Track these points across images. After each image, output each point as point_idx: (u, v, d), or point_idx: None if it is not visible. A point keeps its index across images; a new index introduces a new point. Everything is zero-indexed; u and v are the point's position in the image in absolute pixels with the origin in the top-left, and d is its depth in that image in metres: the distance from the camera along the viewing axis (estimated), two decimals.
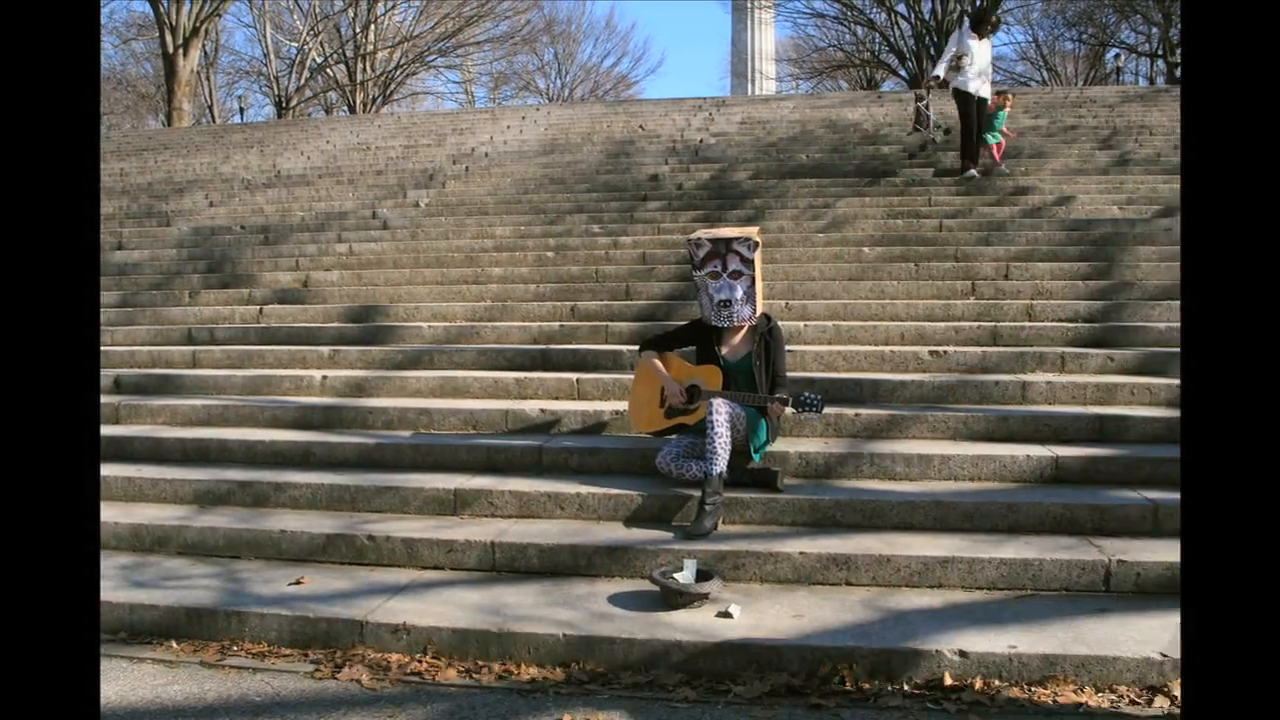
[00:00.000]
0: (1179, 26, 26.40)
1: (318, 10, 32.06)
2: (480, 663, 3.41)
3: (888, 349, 6.12)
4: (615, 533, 4.24)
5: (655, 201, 10.15)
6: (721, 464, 4.22)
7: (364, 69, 32.35)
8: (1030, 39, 35.67)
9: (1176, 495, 4.19)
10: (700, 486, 4.26)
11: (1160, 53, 29.74)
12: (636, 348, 5.12)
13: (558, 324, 6.98)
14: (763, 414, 4.50)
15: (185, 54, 24.83)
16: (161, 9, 24.68)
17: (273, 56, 32.47)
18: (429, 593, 3.87)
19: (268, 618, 3.66)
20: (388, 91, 34.13)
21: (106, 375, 6.57)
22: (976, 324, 6.42)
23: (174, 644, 3.66)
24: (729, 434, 4.27)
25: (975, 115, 9.72)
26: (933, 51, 28.89)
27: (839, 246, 8.15)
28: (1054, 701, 3.03)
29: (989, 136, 10.12)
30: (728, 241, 4.51)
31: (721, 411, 4.27)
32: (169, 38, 24.70)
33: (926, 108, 11.83)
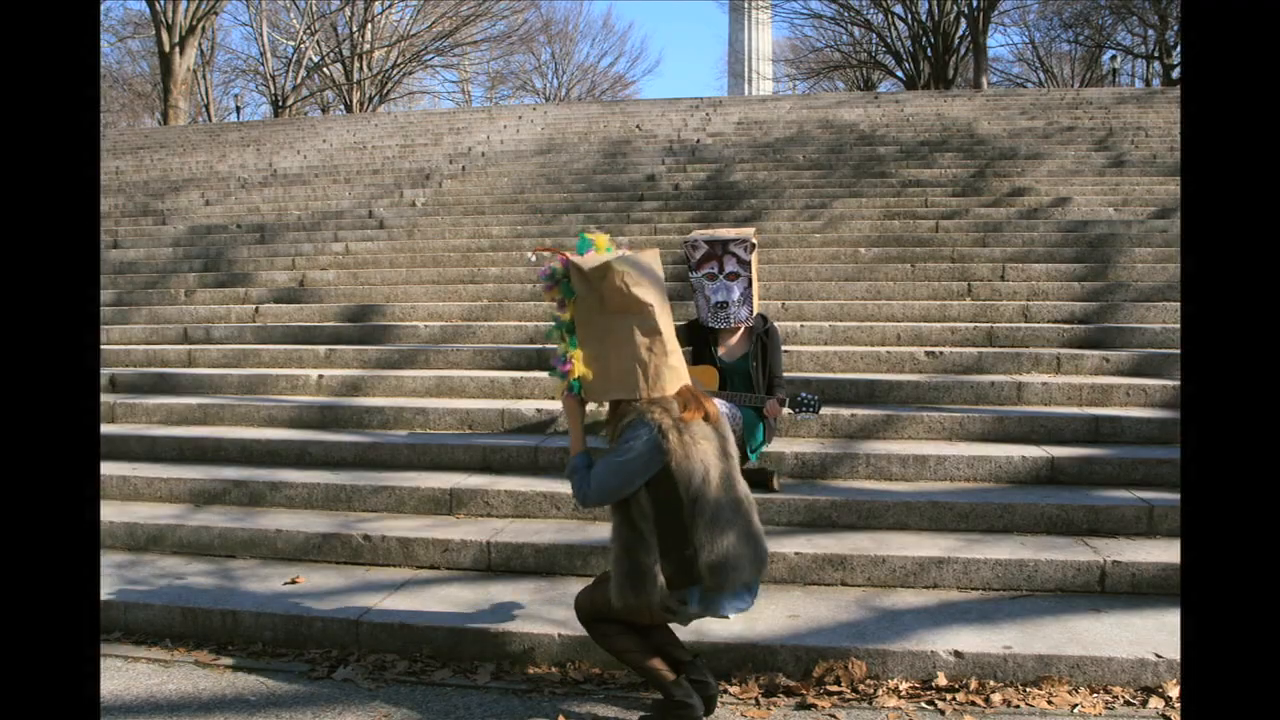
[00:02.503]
0: (1175, 28, 26.46)
1: (314, 9, 31.97)
2: (476, 662, 3.40)
3: (884, 349, 6.12)
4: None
5: (652, 201, 10.16)
6: None
7: (361, 68, 32.28)
8: (1026, 40, 35.73)
9: (1171, 496, 4.21)
10: None
11: (1156, 54, 29.80)
12: None
13: (554, 323, 6.96)
14: (760, 415, 4.50)
15: (181, 52, 24.76)
16: (158, 7, 24.60)
17: (269, 55, 32.38)
18: (425, 592, 3.86)
19: (263, 617, 3.66)
20: (384, 91, 34.05)
21: (102, 374, 6.56)
22: (972, 325, 6.43)
23: (169, 643, 3.66)
24: None
25: None
26: (929, 52, 28.93)
27: (835, 247, 8.16)
28: (1049, 702, 3.03)
29: None
30: (724, 243, 4.51)
31: None
32: (165, 36, 24.63)
33: None
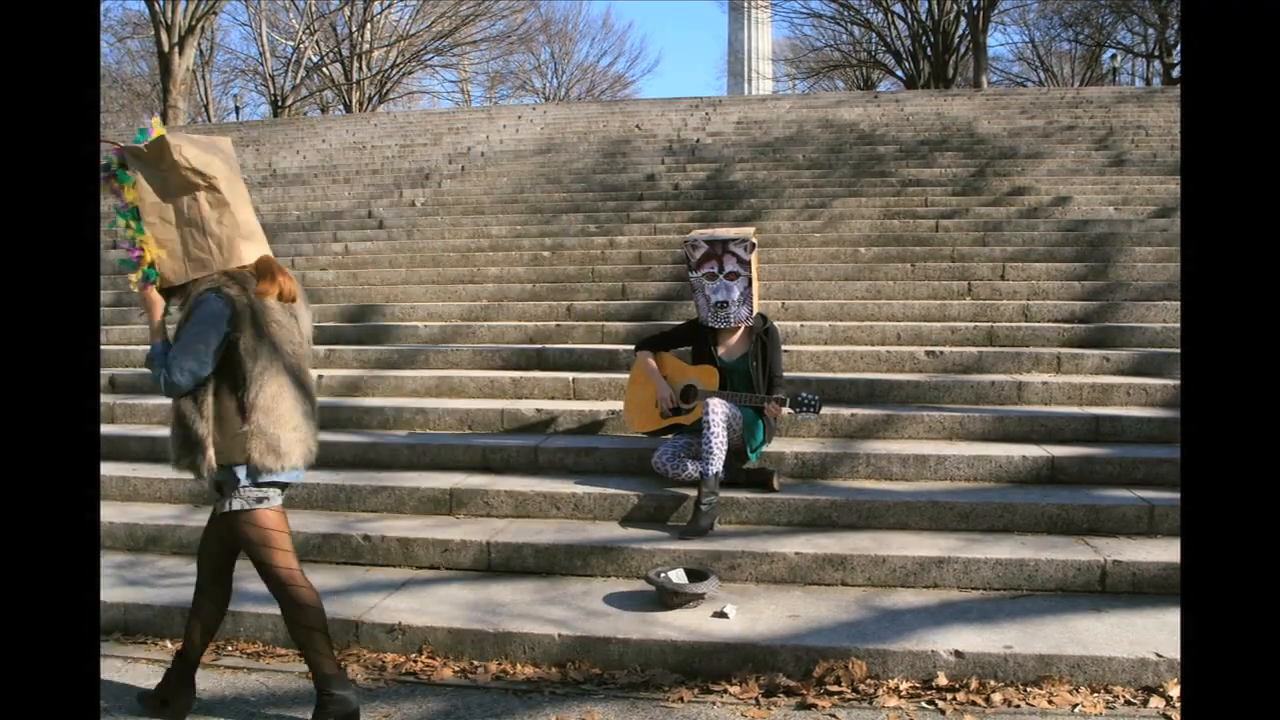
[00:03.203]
0: (1175, 27, 26.45)
1: (314, 9, 31.95)
2: (476, 662, 3.40)
3: (884, 349, 6.12)
4: (611, 532, 4.24)
5: (651, 201, 10.15)
6: (718, 464, 4.22)
7: (360, 68, 32.26)
8: (1027, 39, 35.69)
9: (1172, 495, 4.21)
10: (696, 486, 4.26)
11: (1157, 53, 29.78)
12: (632, 347, 5.12)
13: (554, 323, 6.98)
14: (760, 414, 4.50)
15: (181, 52, 24.74)
16: (157, 7, 24.57)
17: (268, 55, 32.34)
18: (425, 592, 3.86)
19: (263, 617, 3.65)
20: (384, 90, 34.02)
21: (102, 374, 6.56)
22: (973, 324, 6.43)
23: (168, 643, 3.65)
24: (725, 434, 4.27)
25: None
26: (929, 51, 28.91)
27: (835, 246, 8.16)
28: (1049, 702, 3.03)
29: None
30: (724, 243, 4.51)
31: (718, 411, 4.27)
32: (164, 36, 24.60)
33: None
